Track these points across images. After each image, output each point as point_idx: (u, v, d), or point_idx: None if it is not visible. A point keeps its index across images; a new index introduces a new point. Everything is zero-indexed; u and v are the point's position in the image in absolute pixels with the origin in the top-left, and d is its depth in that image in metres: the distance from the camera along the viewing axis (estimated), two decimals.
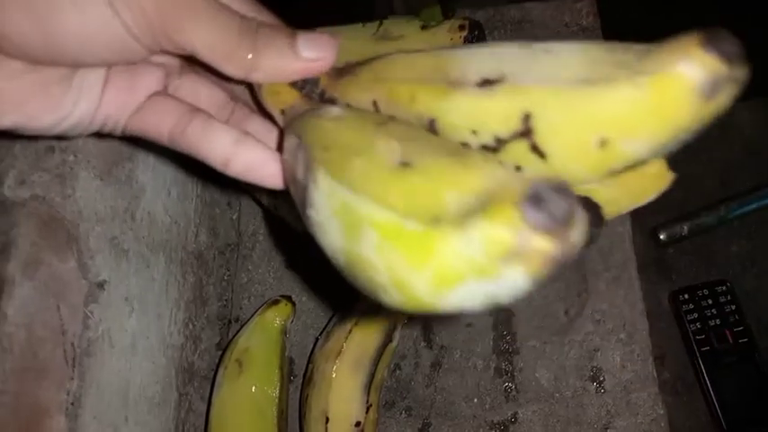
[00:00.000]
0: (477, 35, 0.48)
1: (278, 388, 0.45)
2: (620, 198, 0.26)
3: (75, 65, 0.25)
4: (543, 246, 0.15)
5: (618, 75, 0.18)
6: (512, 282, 0.16)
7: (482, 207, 0.16)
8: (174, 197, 0.46)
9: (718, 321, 0.62)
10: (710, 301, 0.63)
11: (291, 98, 0.27)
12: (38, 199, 0.34)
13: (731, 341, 0.61)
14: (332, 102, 0.27)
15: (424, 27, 0.48)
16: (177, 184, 0.47)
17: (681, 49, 0.17)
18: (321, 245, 0.22)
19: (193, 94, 0.29)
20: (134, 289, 0.41)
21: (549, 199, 0.15)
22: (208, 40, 0.24)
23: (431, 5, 0.53)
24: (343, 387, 0.43)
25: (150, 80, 0.29)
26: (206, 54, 0.24)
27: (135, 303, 0.41)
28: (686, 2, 1.26)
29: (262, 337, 0.46)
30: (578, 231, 0.15)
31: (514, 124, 0.20)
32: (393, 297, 0.19)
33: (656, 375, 0.46)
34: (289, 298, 0.47)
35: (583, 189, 0.27)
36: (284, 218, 0.46)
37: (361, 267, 0.20)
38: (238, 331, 0.47)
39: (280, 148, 0.29)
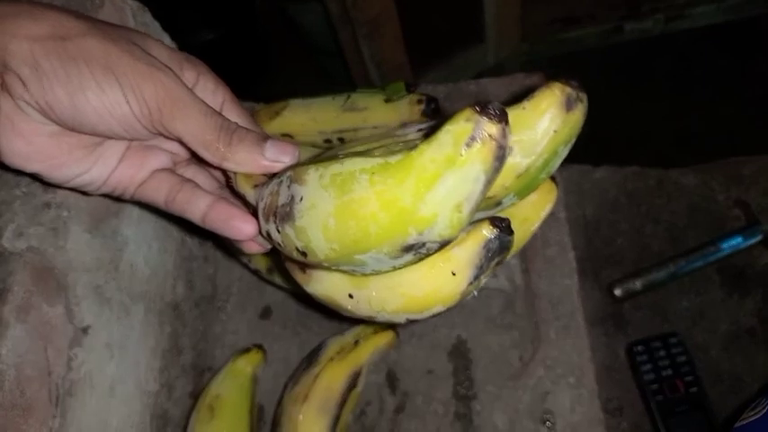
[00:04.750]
0: (433, 108, 0.54)
1: None
2: (529, 215, 0.36)
3: (94, 133, 0.32)
4: (492, 129, 0.23)
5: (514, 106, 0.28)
6: (473, 168, 0.23)
7: (446, 122, 0.23)
8: (155, 250, 0.50)
9: (670, 372, 0.65)
10: (663, 353, 0.67)
11: (260, 177, 0.33)
12: (33, 250, 0.38)
13: (682, 391, 0.64)
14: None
15: (387, 100, 0.54)
16: (158, 238, 0.51)
17: (550, 84, 0.27)
18: (308, 231, 0.28)
19: (193, 179, 0.36)
20: (115, 335, 0.44)
21: (491, 104, 0.23)
22: (191, 131, 0.31)
23: (398, 77, 0.60)
24: (309, 430, 0.45)
25: (157, 162, 0.36)
26: (189, 141, 0.31)
27: (115, 349, 0.44)
28: (626, 77, 1.37)
29: (233, 384, 0.48)
30: (508, 128, 0.24)
31: None
32: (381, 222, 0.25)
33: (602, 417, 0.49)
34: (259, 346, 0.51)
35: (501, 213, 0.34)
36: (273, 280, 0.51)
37: (353, 209, 0.26)
38: (211, 379, 0.50)
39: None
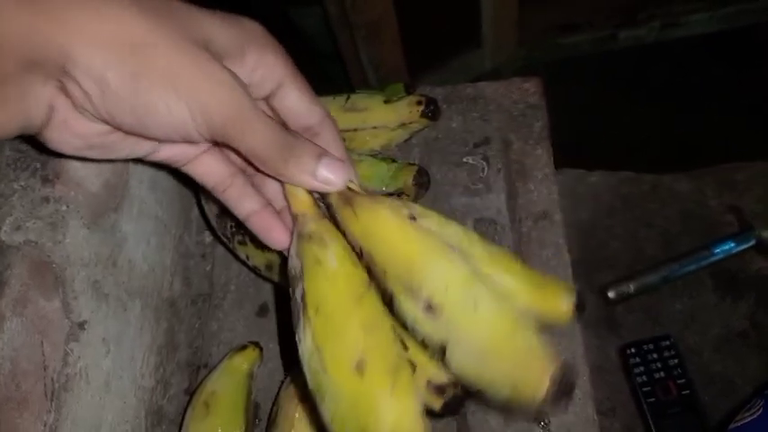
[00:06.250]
0: (432, 109, 0.54)
1: (243, 431, 0.48)
2: None
3: (152, 139, 0.33)
4: None
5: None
6: None
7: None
8: (153, 247, 0.50)
9: (662, 374, 0.66)
10: (655, 356, 0.67)
11: (304, 202, 0.34)
12: (31, 244, 0.38)
13: (675, 393, 0.65)
14: (333, 219, 0.34)
15: (386, 101, 0.55)
16: (156, 235, 0.51)
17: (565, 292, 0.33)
18: (301, 355, 0.32)
19: (230, 156, 0.37)
20: (111, 331, 0.44)
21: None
22: (252, 147, 0.31)
23: (395, 81, 0.60)
24: (306, 428, 0.46)
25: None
26: (248, 154, 0.32)
27: (111, 344, 0.44)
28: (621, 84, 1.38)
29: (229, 381, 0.48)
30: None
31: (436, 345, 0.30)
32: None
33: (596, 418, 0.49)
34: (256, 344, 0.51)
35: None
36: (271, 278, 0.51)
37: (320, 410, 0.31)
38: (207, 376, 0.50)
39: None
